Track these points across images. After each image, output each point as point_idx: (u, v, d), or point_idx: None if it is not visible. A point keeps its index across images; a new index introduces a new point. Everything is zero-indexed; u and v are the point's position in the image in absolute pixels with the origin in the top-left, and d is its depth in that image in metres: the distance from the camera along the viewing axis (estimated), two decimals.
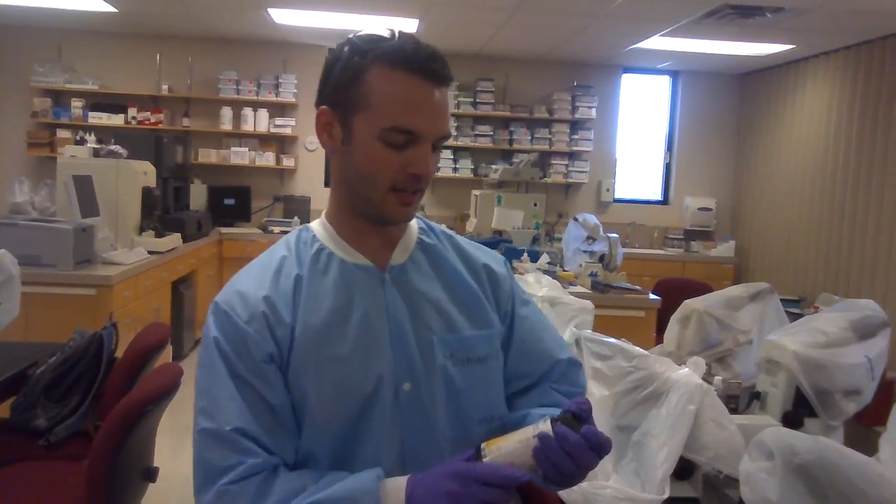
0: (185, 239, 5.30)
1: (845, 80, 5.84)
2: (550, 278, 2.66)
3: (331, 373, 1.01)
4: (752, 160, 7.42)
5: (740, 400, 2.35)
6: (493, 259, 1.22)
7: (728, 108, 7.72)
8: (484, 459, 0.90)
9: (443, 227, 1.24)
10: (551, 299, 2.48)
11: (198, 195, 6.55)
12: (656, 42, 6.02)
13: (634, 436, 1.58)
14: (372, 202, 1.05)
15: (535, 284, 2.55)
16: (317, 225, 1.15)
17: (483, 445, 0.91)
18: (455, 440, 1.07)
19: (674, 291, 4.79)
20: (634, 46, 6.28)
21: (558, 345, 1.23)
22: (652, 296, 4.29)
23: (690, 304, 2.78)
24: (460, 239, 1.22)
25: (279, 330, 1.02)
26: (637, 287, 4.45)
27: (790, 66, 6.65)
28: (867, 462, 0.90)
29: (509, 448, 0.90)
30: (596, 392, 1.57)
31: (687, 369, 1.63)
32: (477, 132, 7.21)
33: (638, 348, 1.61)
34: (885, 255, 5.31)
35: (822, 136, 6.13)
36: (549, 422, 0.89)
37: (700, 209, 7.66)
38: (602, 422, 1.57)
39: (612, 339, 1.61)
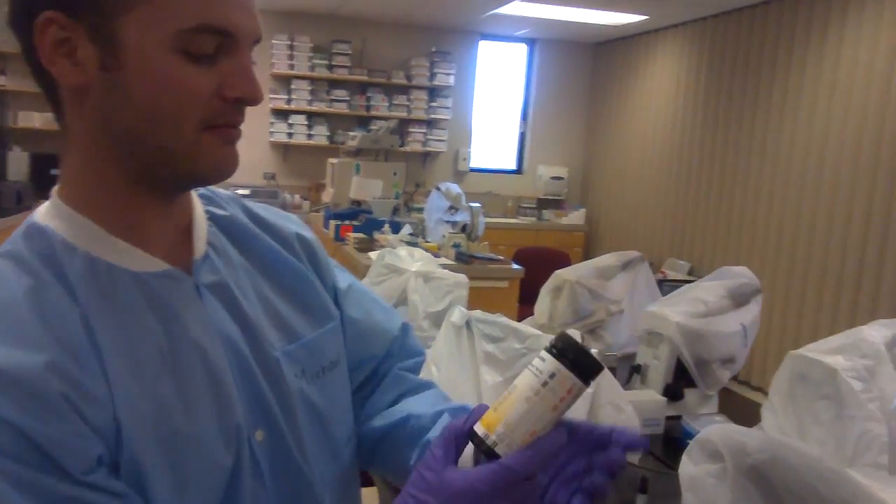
0: (2, 213, 4.69)
1: (692, 52, 6.05)
2: (422, 251, 2.50)
3: (182, 456, 0.66)
4: (603, 130, 7.60)
5: (617, 373, 2.30)
6: (298, 224, 0.89)
7: (581, 77, 7.85)
8: (496, 448, 0.64)
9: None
10: (425, 274, 2.32)
11: (17, 163, 5.84)
12: (515, 7, 5.96)
13: None
14: (175, 156, 0.67)
15: (407, 258, 2.38)
16: (52, 218, 0.69)
17: (481, 430, 0.65)
18: (332, 480, 0.81)
19: (533, 260, 4.79)
20: (493, 12, 6.19)
21: (388, 314, 0.97)
22: (514, 265, 4.25)
23: (562, 275, 2.71)
24: (251, 203, 0.87)
25: (95, 413, 0.61)
26: (500, 257, 4.39)
27: (642, 37, 6.82)
28: (820, 459, 0.80)
29: (520, 413, 0.64)
30: (489, 379, 1.43)
31: None
32: (333, 97, 6.90)
33: (532, 328, 1.48)
34: (724, 222, 5.58)
35: (671, 107, 6.34)
36: (548, 356, 0.66)
37: (552, 178, 7.78)
38: None
39: (504, 319, 1.47)
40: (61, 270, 0.65)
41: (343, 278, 0.92)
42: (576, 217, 7.57)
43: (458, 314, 1.49)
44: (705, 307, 2.04)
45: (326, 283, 0.87)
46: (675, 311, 2.02)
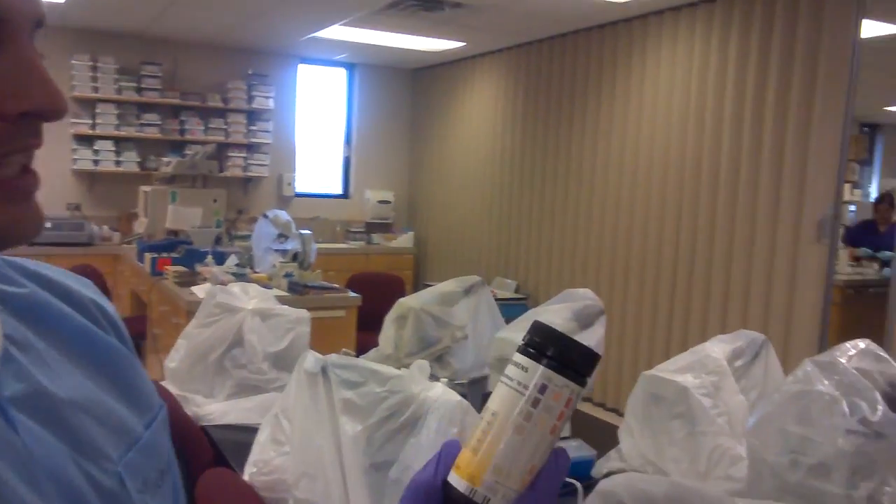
0: None
1: (509, 78, 6.26)
2: (259, 287, 2.33)
3: None
4: (426, 153, 7.68)
5: (469, 401, 2.26)
6: (91, 288, 0.64)
7: (402, 102, 7.89)
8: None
9: None
10: (262, 311, 2.15)
11: None
12: (334, 32, 5.88)
13: (392, 472, 1.35)
14: None
15: (241, 296, 2.20)
16: None
17: (462, 483, 0.50)
18: None
19: (367, 286, 4.69)
20: (312, 36, 6.07)
21: None
22: (351, 293, 4.13)
23: (406, 303, 2.64)
24: (36, 265, 0.61)
25: None
26: (335, 285, 4.25)
27: (460, 63, 6.97)
28: (721, 499, 0.77)
29: (513, 450, 0.50)
30: (349, 429, 1.31)
31: (442, 386, 1.45)
32: (143, 121, 6.44)
33: (393, 369, 1.38)
34: (546, 241, 5.80)
35: (490, 131, 6.52)
36: (530, 361, 0.52)
37: (379, 202, 7.75)
38: (354, 463, 1.32)
39: (362, 362, 1.37)
40: None
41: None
42: (404, 240, 7.57)
43: (311, 360, 1.36)
44: None
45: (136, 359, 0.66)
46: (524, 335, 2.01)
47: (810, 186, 3.87)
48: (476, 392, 2.29)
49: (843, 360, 1.30)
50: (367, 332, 4.11)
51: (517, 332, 2.04)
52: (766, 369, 1.71)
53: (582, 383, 0.52)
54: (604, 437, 1.90)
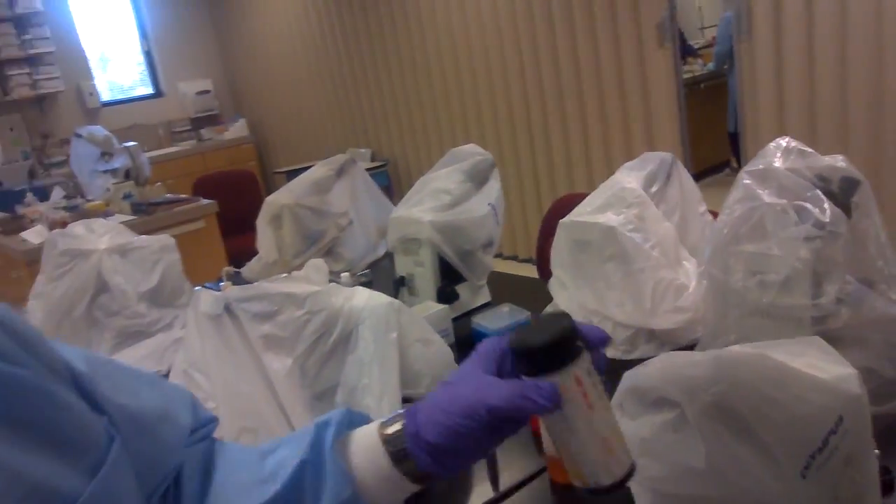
0: None
1: None
2: (104, 221, 1.98)
3: None
4: (235, 33, 7.03)
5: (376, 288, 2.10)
6: None
7: None
8: (600, 485, 0.58)
9: None
10: (120, 248, 1.84)
11: None
12: None
13: (339, 397, 1.19)
14: None
15: (88, 236, 1.86)
16: None
17: (578, 482, 0.58)
18: None
19: (216, 188, 4.33)
20: None
21: (164, 390, 0.61)
22: (204, 200, 3.76)
23: (276, 201, 2.40)
24: None
25: None
26: (182, 196, 3.86)
27: None
28: (763, 358, 0.66)
29: (579, 448, 0.58)
30: (277, 366, 1.12)
31: (365, 291, 1.27)
32: None
33: (307, 285, 1.18)
34: (391, 99, 5.53)
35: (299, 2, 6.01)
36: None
37: (198, 93, 7.14)
38: (294, 401, 1.15)
39: (268, 286, 1.16)
40: None
41: (70, 351, 0.50)
42: (238, 129, 7.05)
43: (209, 301, 1.14)
44: (450, 197, 1.89)
45: (57, 370, 0.46)
46: (423, 210, 1.84)
47: None
48: (381, 277, 2.13)
49: (776, 164, 1.24)
50: (233, 238, 3.82)
51: (414, 207, 1.87)
52: (682, 188, 1.65)
53: (577, 362, 0.55)
54: (531, 293, 1.81)
